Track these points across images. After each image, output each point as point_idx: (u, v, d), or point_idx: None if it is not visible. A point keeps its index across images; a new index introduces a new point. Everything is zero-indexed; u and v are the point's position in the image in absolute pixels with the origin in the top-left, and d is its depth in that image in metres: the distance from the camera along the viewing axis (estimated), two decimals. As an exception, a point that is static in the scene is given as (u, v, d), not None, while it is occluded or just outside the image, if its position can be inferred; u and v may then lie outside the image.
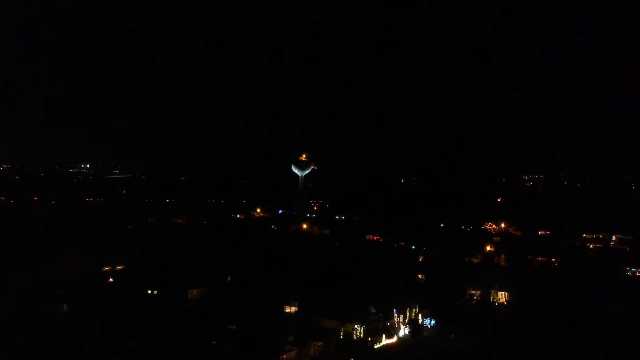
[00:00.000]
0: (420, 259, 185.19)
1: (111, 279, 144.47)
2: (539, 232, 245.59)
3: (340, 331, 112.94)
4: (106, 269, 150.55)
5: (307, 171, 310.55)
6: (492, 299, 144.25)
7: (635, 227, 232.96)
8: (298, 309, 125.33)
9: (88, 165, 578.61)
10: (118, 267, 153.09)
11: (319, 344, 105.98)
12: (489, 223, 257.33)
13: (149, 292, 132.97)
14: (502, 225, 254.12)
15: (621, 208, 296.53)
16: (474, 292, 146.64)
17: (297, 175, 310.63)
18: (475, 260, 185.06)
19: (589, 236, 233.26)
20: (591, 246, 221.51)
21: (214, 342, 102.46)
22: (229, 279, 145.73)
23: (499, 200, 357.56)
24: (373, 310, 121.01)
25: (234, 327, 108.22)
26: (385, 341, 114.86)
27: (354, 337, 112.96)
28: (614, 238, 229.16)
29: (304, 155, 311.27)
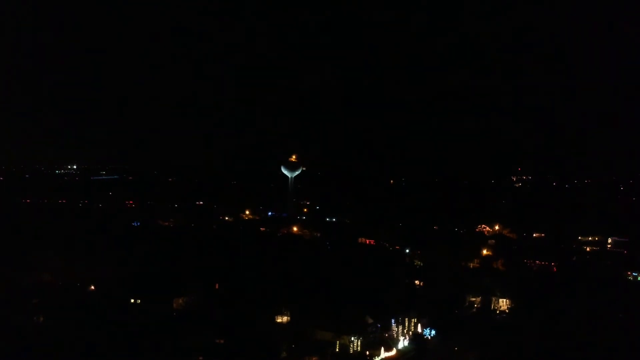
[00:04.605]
0: (416, 263, 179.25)
1: (92, 287, 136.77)
2: (534, 235, 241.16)
3: (336, 344, 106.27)
4: (87, 276, 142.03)
5: (297, 172, 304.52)
6: (493, 306, 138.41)
7: (630, 228, 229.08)
8: (290, 319, 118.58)
9: (75, 166, 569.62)
10: (100, 274, 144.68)
11: (314, 358, 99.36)
12: (483, 225, 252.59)
13: (133, 301, 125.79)
14: (496, 227, 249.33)
15: (613, 209, 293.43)
16: (473, 299, 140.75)
17: (287, 177, 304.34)
18: (472, 265, 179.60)
19: (585, 239, 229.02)
20: (588, 249, 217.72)
21: (201, 358, 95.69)
22: (216, 286, 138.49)
23: (490, 201, 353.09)
24: (370, 320, 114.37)
25: (222, 340, 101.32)
26: (384, 354, 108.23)
27: (351, 351, 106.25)
28: (609, 240, 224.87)
29: (293, 157, 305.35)
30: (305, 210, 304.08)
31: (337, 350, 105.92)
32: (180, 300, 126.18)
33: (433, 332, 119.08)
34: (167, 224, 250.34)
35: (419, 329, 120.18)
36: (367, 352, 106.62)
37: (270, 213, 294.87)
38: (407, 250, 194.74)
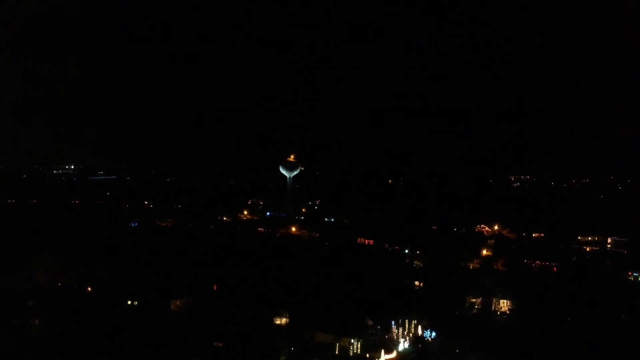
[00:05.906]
0: (416, 264, 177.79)
1: (89, 289, 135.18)
2: (534, 235, 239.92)
3: (336, 346, 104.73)
4: (84, 277, 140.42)
5: (295, 172, 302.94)
6: (494, 307, 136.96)
7: (630, 228, 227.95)
8: (289, 320, 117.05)
9: (73, 166, 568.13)
10: (97, 276, 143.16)
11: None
12: (482, 225, 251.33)
13: (130, 302, 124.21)
14: (496, 227, 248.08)
15: (612, 209, 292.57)
16: (474, 300, 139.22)
17: (285, 177, 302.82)
18: (472, 266, 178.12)
19: (584, 239, 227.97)
20: (588, 249, 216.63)
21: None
22: (214, 288, 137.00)
23: (490, 201, 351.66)
24: (370, 322, 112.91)
25: (220, 343, 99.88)
26: (384, 356, 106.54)
27: (351, 353, 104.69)
28: (609, 240, 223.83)
29: (292, 156, 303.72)
30: (303, 210, 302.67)
31: (337, 352, 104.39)
32: (178, 302, 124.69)
33: (433, 333, 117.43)
34: (165, 224, 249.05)
35: (419, 331, 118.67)
36: (367, 355, 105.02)
37: (268, 213, 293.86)
38: (407, 251, 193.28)
